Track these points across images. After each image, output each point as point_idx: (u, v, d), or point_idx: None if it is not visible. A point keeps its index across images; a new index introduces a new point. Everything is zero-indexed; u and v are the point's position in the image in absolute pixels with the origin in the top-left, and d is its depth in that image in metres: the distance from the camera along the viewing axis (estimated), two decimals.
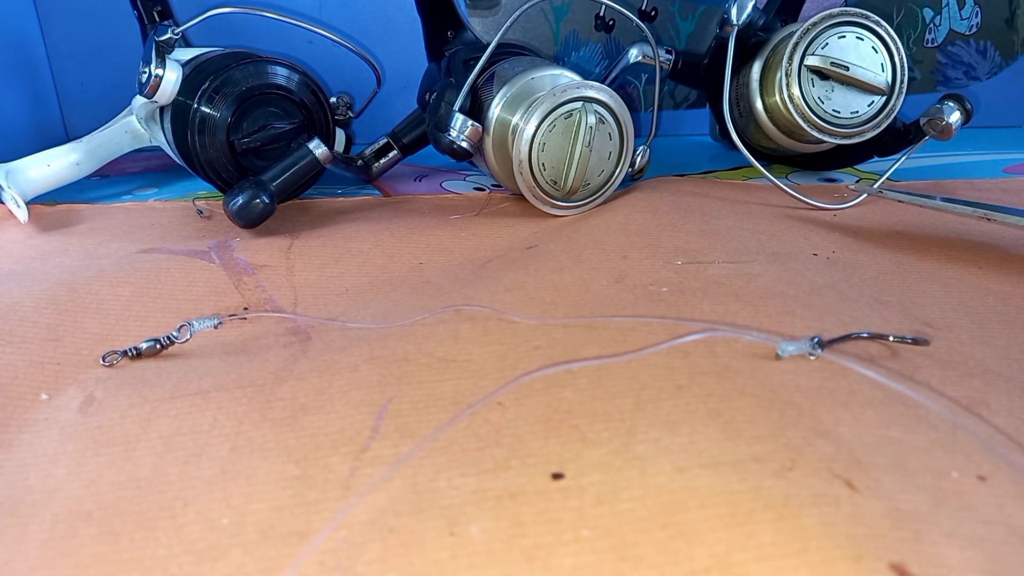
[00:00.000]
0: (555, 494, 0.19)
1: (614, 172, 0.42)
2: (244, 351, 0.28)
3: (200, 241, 0.40)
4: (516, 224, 0.42)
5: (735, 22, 0.46)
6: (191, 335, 0.28)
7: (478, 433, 0.21)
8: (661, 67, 0.50)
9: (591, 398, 0.23)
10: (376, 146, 0.48)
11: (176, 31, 0.42)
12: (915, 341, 0.26)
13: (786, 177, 0.53)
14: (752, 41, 0.48)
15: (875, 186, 0.44)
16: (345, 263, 0.37)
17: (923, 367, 0.25)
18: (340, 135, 0.49)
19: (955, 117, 0.44)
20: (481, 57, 0.41)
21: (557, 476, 0.19)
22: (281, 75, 0.44)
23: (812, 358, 0.24)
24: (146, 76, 0.41)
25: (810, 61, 0.44)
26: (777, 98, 0.46)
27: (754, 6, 0.46)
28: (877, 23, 0.44)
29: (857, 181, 0.52)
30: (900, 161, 0.46)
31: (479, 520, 0.18)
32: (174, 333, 0.28)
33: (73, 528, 0.19)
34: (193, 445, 0.22)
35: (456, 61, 0.45)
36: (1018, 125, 0.70)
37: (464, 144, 0.41)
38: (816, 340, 0.25)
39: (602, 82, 0.41)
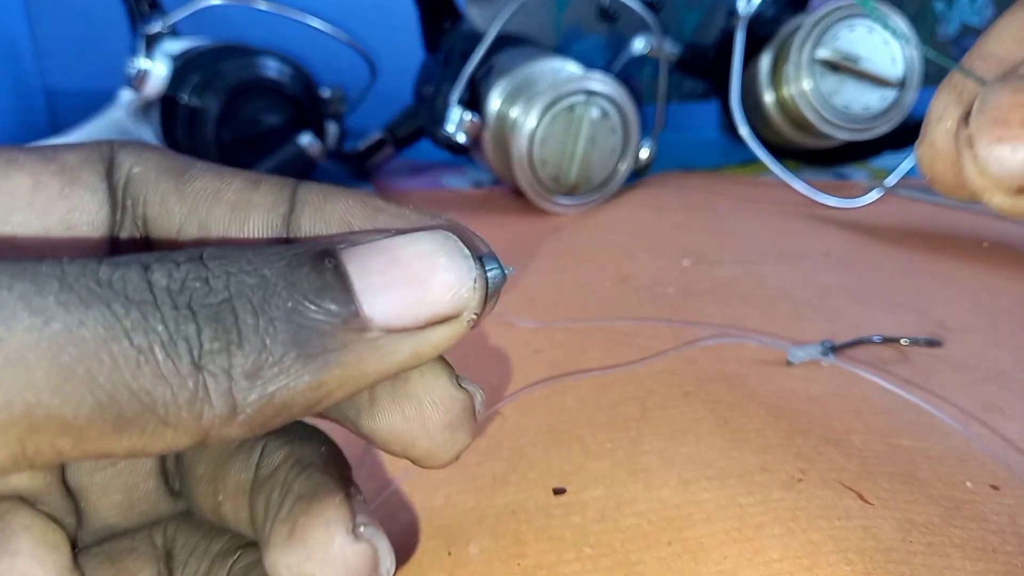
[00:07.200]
0: (556, 510, 0.18)
1: (618, 168, 0.42)
2: None
3: None
4: (516, 222, 0.41)
5: (743, 13, 0.45)
6: None
7: (476, 447, 0.21)
8: (667, 59, 0.49)
9: (594, 406, 0.22)
10: (370, 140, 0.47)
11: (165, 24, 0.41)
12: (929, 343, 0.25)
13: (797, 173, 0.52)
14: (760, 33, 0.47)
15: (888, 183, 0.43)
16: None
17: (936, 371, 0.24)
18: (333, 129, 0.48)
19: None
20: (479, 48, 0.41)
21: (558, 491, 0.19)
22: (272, 68, 0.43)
23: (823, 363, 0.24)
24: (135, 70, 0.41)
25: (820, 54, 0.43)
26: (787, 91, 0.45)
27: None
28: (888, 15, 0.43)
29: (870, 177, 0.51)
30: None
31: (477, 538, 0.18)
32: None
33: None
34: None
35: (453, 53, 0.44)
36: None
37: (462, 138, 0.40)
38: (827, 345, 0.24)
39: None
